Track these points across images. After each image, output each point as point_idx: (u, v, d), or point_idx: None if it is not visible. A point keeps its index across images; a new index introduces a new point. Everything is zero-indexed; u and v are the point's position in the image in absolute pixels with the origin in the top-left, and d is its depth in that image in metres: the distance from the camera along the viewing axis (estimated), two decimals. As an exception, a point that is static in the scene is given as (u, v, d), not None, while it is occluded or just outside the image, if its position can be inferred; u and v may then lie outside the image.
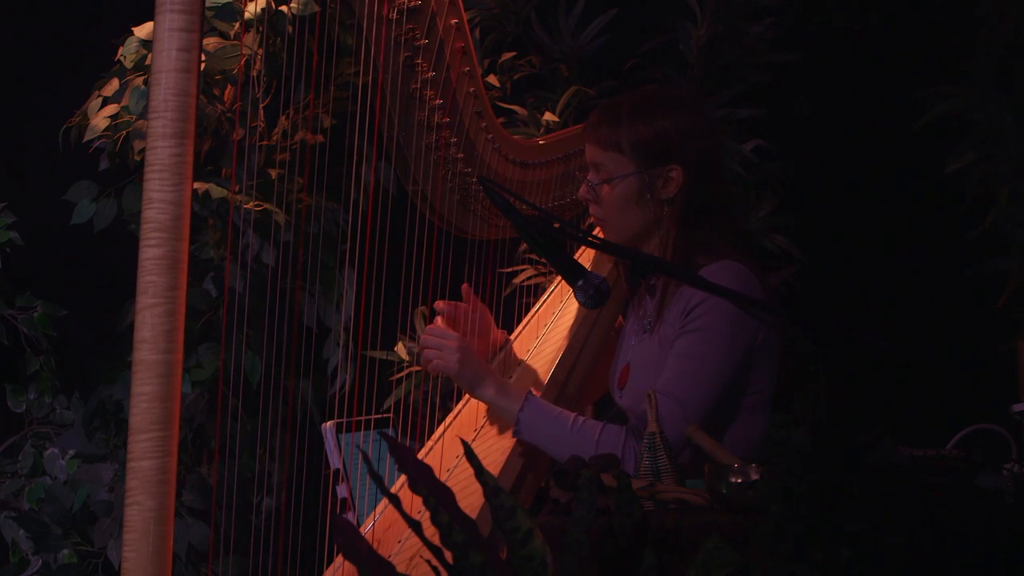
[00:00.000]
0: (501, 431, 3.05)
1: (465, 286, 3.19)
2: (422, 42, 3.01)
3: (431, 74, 3.03)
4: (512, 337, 3.32)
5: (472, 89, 3.09)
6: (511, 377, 3.18)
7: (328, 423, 3.10)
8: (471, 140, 3.12)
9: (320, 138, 3.76)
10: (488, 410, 3.13)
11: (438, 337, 3.03)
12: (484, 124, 3.12)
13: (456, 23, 3.04)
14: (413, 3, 2.98)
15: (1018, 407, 3.14)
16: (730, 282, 2.93)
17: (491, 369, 3.07)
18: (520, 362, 3.21)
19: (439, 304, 3.15)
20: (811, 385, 2.34)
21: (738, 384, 2.99)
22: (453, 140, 3.10)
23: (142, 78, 3.89)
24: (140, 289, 2.46)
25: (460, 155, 3.11)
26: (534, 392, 3.03)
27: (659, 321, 3.04)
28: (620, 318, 3.26)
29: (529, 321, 3.35)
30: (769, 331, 3.00)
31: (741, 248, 3.06)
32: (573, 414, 2.98)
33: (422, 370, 3.05)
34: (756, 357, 3.00)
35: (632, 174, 3.04)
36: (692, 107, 3.12)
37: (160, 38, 2.47)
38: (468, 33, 3.07)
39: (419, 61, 3.02)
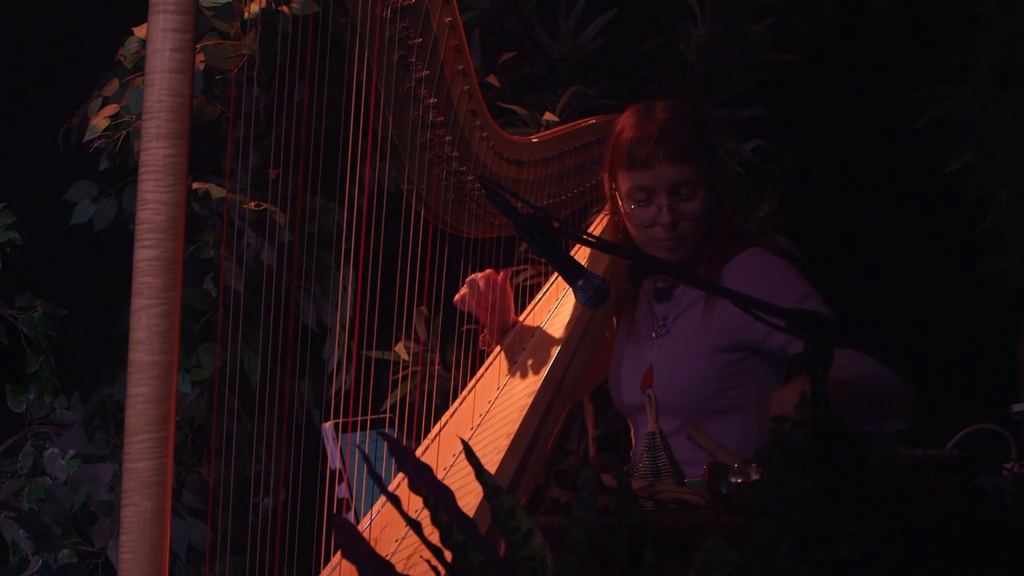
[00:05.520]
0: (497, 429, 3.05)
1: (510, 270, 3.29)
2: (416, 41, 3.00)
3: (425, 73, 3.02)
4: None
5: (467, 87, 3.09)
6: (510, 374, 3.18)
7: (328, 423, 3.10)
8: (466, 138, 3.12)
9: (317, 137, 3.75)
10: (484, 408, 3.13)
11: None
12: (479, 122, 3.12)
13: (450, 21, 3.03)
14: (407, 2, 2.97)
15: (1018, 407, 3.14)
16: (769, 265, 3.04)
17: None
18: (516, 360, 3.21)
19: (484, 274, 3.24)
20: (811, 385, 2.33)
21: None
22: (448, 138, 3.09)
23: (142, 78, 3.88)
24: (135, 290, 2.45)
25: (455, 153, 3.11)
26: (529, 389, 3.04)
27: (681, 319, 3.09)
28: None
29: (525, 319, 3.35)
30: None
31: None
32: None
33: (421, 369, 3.06)
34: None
35: (707, 179, 3.08)
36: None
37: (154, 39, 2.47)
38: (462, 31, 3.06)
39: (413, 60, 3.01)
